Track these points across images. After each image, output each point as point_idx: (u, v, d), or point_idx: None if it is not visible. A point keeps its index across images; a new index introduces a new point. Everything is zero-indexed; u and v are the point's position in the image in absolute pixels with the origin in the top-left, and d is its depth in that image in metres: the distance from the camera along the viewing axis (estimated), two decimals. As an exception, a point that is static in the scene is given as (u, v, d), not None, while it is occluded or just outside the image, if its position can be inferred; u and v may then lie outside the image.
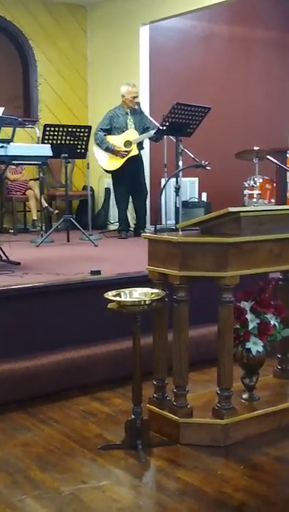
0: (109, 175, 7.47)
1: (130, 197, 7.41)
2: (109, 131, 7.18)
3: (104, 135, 7.15)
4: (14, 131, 4.98)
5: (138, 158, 7.16)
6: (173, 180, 6.63)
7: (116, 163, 7.10)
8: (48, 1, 8.52)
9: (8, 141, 4.84)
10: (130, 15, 8.22)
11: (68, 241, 6.65)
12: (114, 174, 7.24)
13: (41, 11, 8.52)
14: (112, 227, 8.28)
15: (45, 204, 7.47)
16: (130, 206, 7.57)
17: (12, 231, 7.61)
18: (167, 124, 6.47)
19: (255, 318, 3.28)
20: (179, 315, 3.13)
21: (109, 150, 7.08)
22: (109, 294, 3.06)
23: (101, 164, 7.20)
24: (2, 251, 5.06)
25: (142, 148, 7.28)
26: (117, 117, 7.17)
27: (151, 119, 7.07)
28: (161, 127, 6.56)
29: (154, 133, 6.81)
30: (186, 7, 7.62)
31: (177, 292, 3.10)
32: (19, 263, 4.98)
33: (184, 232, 3.34)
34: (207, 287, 3.17)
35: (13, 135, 4.96)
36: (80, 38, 8.89)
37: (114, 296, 3.06)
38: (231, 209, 3.03)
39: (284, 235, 3.20)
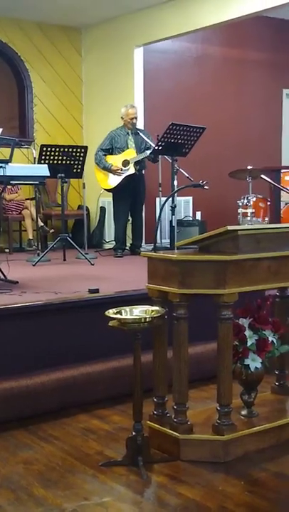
0: (105, 194, 7.58)
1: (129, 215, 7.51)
2: (110, 151, 7.31)
3: (104, 155, 7.29)
4: (12, 151, 5.04)
5: (137, 177, 7.24)
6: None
7: (114, 181, 7.20)
8: (43, 24, 8.63)
9: (6, 162, 4.90)
10: (124, 37, 8.33)
11: (65, 260, 6.69)
12: (115, 192, 7.35)
13: (36, 33, 8.63)
14: (107, 246, 8.33)
15: (40, 223, 7.52)
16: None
17: (7, 250, 7.64)
18: (163, 144, 6.55)
19: (254, 335, 3.33)
20: (178, 332, 3.17)
21: (107, 169, 7.21)
22: (110, 312, 3.10)
23: (100, 183, 7.31)
24: (0, 270, 5.10)
25: (144, 167, 7.36)
26: (118, 137, 7.31)
27: (147, 139, 7.15)
28: (156, 147, 6.65)
29: (150, 153, 6.90)
30: (179, 29, 7.74)
31: (177, 309, 3.15)
32: (17, 282, 5.01)
33: (183, 250, 3.39)
34: (202, 305, 3.22)
35: (11, 155, 5.02)
36: (75, 59, 9.00)
37: (115, 313, 3.10)
38: (230, 227, 3.09)
39: (281, 252, 3.26)
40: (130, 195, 7.32)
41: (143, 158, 7.16)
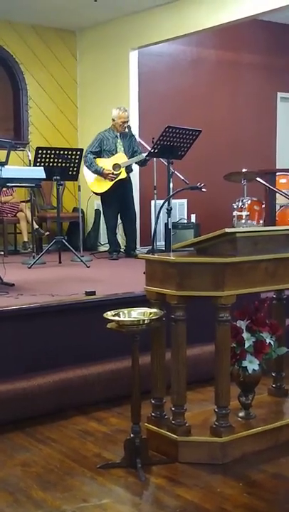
0: (99, 196, 7.56)
1: (120, 219, 7.50)
2: (98, 154, 7.29)
3: (94, 157, 7.26)
4: (8, 154, 5.03)
5: (127, 181, 7.27)
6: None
7: (104, 185, 7.20)
8: (37, 26, 8.64)
9: (3, 164, 4.90)
10: (119, 40, 8.35)
11: (60, 262, 6.68)
12: (103, 196, 7.35)
13: (31, 36, 8.63)
14: (102, 249, 8.33)
15: (36, 226, 7.52)
16: (120, 228, 7.64)
17: (3, 253, 7.62)
18: (159, 147, 6.56)
19: (251, 337, 3.34)
20: (176, 334, 3.18)
21: (98, 172, 7.19)
22: (109, 314, 3.11)
23: (90, 186, 7.31)
24: (-4, 272, 5.09)
25: (131, 170, 7.39)
26: (106, 140, 7.29)
27: (142, 142, 7.16)
28: (152, 150, 6.65)
29: (146, 156, 6.91)
30: (174, 32, 7.77)
31: (175, 311, 3.15)
32: (13, 284, 5.01)
33: (178, 253, 3.40)
34: (200, 307, 3.23)
35: (7, 158, 5.02)
36: (70, 61, 9.01)
37: (113, 315, 3.11)
38: (228, 230, 3.10)
39: (278, 254, 3.27)
40: (119, 199, 7.31)
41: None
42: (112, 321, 3.09)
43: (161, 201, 6.60)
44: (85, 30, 8.87)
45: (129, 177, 7.39)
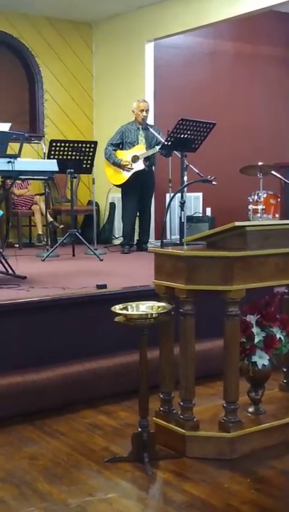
0: (116, 190, 7.56)
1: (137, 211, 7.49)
2: (120, 146, 7.29)
3: (114, 150, 7.27)
4: (21, 146, 5.03)
5: (146, 173, 7.21)
6: (178, 195, 6.67)
7: (123, 177, 7.19)
8: (53, 19, 8.62)
9: (16, 157, 4.89)
10: (135, 32, 8.31)
11: (74, 255, 6.68)
12: (123, 188, 7.34)
13: (47, 28, 8.62)
14: (116, 242, 8.31)
15: (50, 219, 7.52)
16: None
17: (17, 245, 7.65)
18: (172, 139, 6.52)
19: (261, 332, 3.31)
20: (185, 328, 3.15)
21: (116, 164, 7.20)
22: (117, 308, 3.09)
23: (109, 178, 7.31)
24: (8, 265, 5.10)
25: (154, 164, 7.34)
26: (128, 132, 7.30)
27: (156, 135, 7.12)
28: (166, 143, 6.62)
29: (159, 148, 6.87)
30: (190, 24, 7.71)
31: (184, 306, 3.13)
32: (25, 277, 5.01)
33: (190, 246, 3.37)
34: (211, 301, 3.20)
35: (20, 150, 5.01)
36: (86, 54, 8.98)
37: (121, 309, 3.09)
38: (237, 223, 3.06)
39: (289, 249, 3.23)
40: (139, 191, 7.30)
41: (153, 154, 7.13)
42: (120, 314, 3.07)
43: (177, 194, 6.58)
44: (100, 23, 8.83)
45: (152, 170, 7.36)
